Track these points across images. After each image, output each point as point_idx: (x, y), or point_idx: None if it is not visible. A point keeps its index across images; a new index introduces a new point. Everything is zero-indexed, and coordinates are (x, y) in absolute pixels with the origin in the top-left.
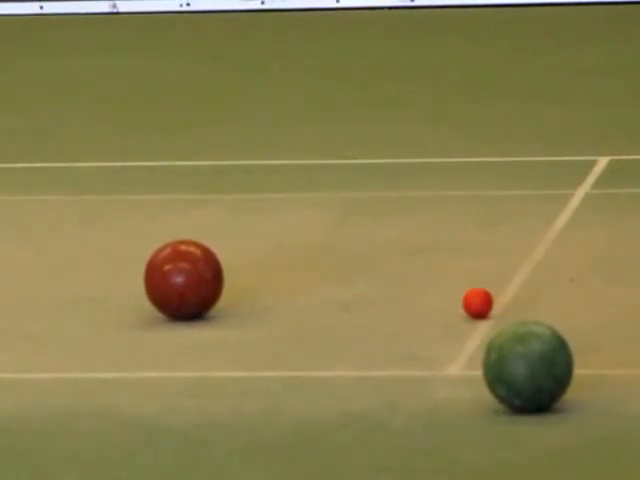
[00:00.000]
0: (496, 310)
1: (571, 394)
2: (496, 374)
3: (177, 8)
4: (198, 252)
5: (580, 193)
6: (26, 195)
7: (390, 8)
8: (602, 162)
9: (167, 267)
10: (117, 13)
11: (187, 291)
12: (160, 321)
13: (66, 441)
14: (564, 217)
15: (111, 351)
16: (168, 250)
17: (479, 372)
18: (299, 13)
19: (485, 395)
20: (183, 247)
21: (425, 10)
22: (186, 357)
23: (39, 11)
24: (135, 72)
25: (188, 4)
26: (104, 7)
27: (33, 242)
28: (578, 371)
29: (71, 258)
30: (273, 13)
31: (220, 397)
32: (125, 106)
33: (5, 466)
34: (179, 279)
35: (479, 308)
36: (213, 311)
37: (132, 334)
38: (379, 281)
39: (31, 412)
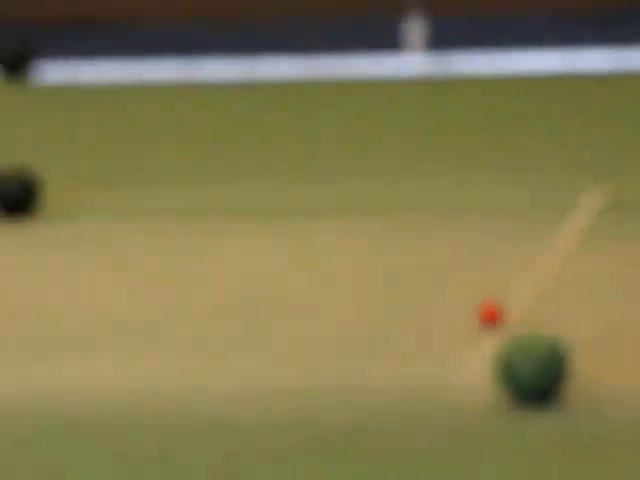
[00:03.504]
0: (508, 322)
1: (570, 395)
2: (502, 376)
3: None
4: None
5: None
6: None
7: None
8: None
9: None
10: None
11: None
12: None
13: None
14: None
15: None
16: None
17: (488, 378)
18: None
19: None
20: None
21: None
22: None
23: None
24: None
25: None
26: None
27: None
28: (578, 376)
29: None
30: None
31: None
32: None
33: None
34: None
35: (491, 317)
36: None
37: None
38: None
39: None
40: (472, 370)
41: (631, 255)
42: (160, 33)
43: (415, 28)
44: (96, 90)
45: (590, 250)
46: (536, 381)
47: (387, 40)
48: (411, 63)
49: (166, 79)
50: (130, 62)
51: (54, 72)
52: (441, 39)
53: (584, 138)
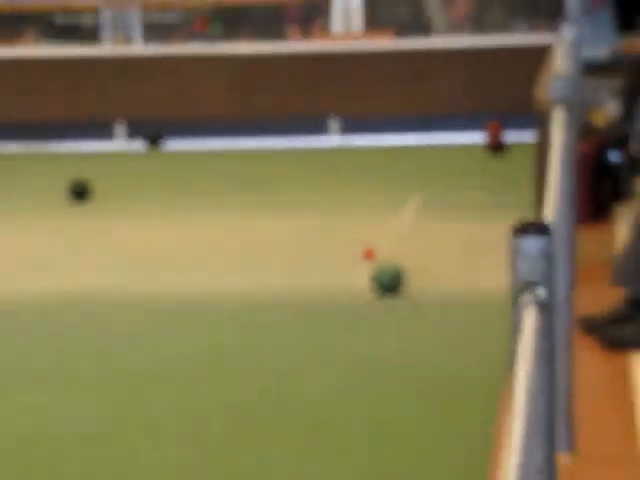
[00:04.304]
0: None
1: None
2: (373, 282)
3: None
4: None
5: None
6: None
7: None
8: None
9: None
10: None
11: None
12: None
13: None
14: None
15: None
16: None
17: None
18: None
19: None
20: None
21: None
22: None
23: None
24: None
25: None
26: None
27: None
28: (411, 283)
29: None
30: None
31: None
32: None
33: None
34: None
35: (368, 255)
36: None
37: None
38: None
39: None
40: (359, 279)
41: (434, 224)
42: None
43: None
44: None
45: (415, 226)
46: (388, 284)
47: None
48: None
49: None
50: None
51: (176, 144)
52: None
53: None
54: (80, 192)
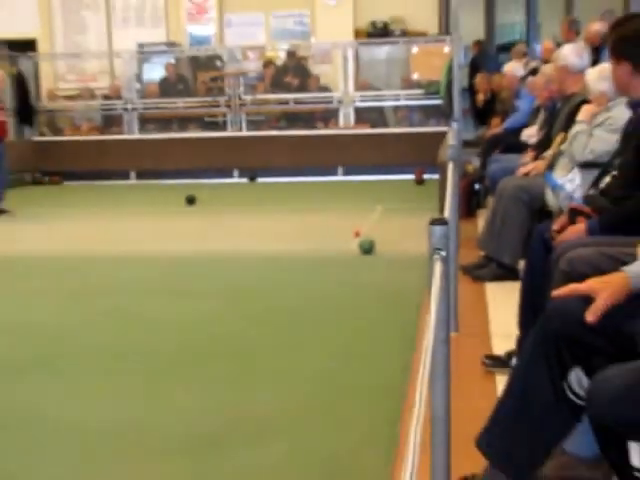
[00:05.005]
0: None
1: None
2: (360, 246)
3: None
4: None
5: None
6: None
7: None
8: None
9: None
10: None
11: None
12: None
13: None
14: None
15: None
16: None
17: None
18: None
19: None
20: None
21: None
22: None
23: None
24: None
25: None
26: None
27: None
28: (379, 248)
29: None
30: None
31: None
32: None
33: None
34: None
35: (357, 234)
36: None
37: None
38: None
39: None
40: (350, 246)
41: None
42: None
43: None
44: None
45: (380, 219)
46: (366, 249)
47: None
48: None
49: None
50: None
51: (263, 180)
52: None
53: None
54: (190, 199)
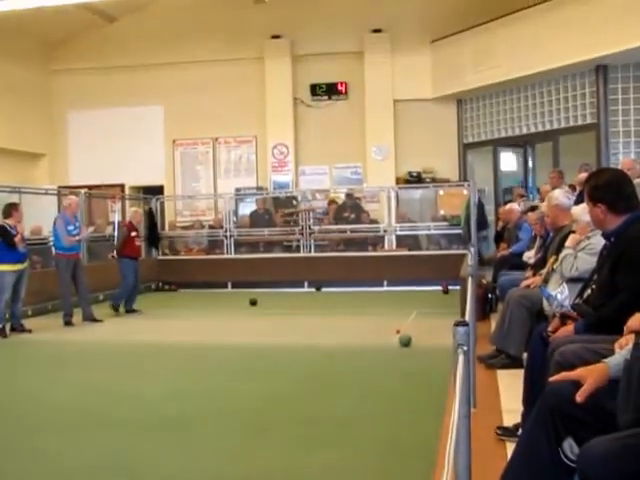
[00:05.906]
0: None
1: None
2: (400, 340)
3: None
4: None
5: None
6: None
7: None
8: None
9: None
10: None
11: None
12: None
13: None
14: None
15: None
16: None
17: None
18: None
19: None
20: None
21: None
22: None
23: None
24: None
25: None
26: None
27: None
28: (415, 343)
29: None
30: None
31: None
32: None
33: None
34: None
35: (398, 332)
36: None
37: None
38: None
39: None
40: (393, 340)
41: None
42: None
43: None
44: None
45: (415, 321)
46: (405, 343)
47: None
48: None
49: None
50: None
51: (326, 289)
52: None
53: None
54: (253, 302)
